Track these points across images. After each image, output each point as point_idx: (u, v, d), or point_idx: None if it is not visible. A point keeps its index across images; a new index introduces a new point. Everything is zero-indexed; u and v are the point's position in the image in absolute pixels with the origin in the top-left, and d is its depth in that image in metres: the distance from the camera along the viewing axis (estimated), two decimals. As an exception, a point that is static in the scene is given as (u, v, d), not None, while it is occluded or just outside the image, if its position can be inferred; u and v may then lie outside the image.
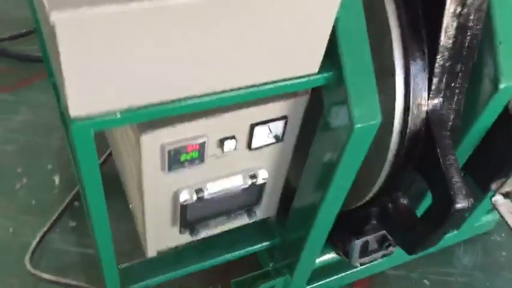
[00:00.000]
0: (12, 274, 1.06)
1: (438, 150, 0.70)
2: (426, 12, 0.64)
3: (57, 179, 1.23)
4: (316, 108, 0.71)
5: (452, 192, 0.70)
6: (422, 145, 0.72)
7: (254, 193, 0.81)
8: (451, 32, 0.64)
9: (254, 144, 0.72)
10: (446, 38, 0.64)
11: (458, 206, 0.70)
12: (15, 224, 1.14)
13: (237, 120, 0.67)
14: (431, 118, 0.69)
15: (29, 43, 1.51)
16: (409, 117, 0.69)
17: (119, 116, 0.52)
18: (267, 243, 0.97)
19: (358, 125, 0.62)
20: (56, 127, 1.32)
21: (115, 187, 1.06)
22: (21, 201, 1.18)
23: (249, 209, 0.85)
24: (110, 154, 1.21)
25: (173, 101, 0.55)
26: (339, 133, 0.65)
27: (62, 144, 1.29)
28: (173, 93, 0.54)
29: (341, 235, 0.96)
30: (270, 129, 0.71)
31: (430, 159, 0.71)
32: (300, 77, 0.60)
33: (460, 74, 0.68)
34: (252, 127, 0.69)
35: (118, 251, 0.87)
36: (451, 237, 1.19)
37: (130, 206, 0.91)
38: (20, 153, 1.27)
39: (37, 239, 1.08)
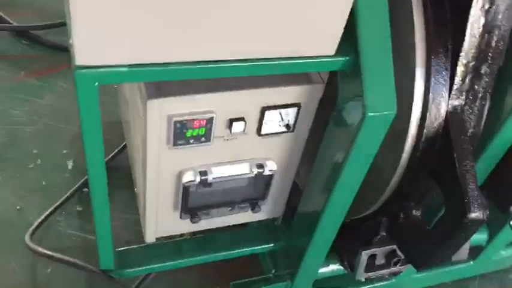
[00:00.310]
0: (11, 250, 1.05)
1: (455, 155, 0.66)
2: (453, 6, 0.62)
3: (70, 164, 1.23)
4: (329, 108, 0.69)
5: (466, 200, 0.66)
6: (439, 148, 0.69)
7: (260, 185, 0.79)
8: (477, 29, 0.61)
9: (264, 130, 0.70)
10: (471, 36, 0.62)
11: (472, 215, 0.66)
12: (22, 202, 1.14)
13: (247, 100, 0.65)
14: (450, 120, 0.66)
15: (61, 34, 1.54)
16: (427, 117, 0.66)
17: (125, 70, 0.51)
18: (270, 245, 0.93)
19: (371, 114, 0.59)
20: (76, 114, 1.33)
21: (124, 181, 1.06)
22: (32, 181, 1.19)
23: (253, 203, 0.82)
24: (121, 150, 1.22)
25: (182, 64, 0.53)
26: (351, 123, 0.63)
27: (80, 131, 1.29)
28: (183, 55, 0.53)
29: (347, 245, 0.92)
30: (281, 116, 0.70)
31: (446, 164, 0.68)
32: (316, 57, 0.58)
33: (484, 77, 0.66)
34: (263, 111, 0.67)
35: (119, 239, 0.85)
36: (466, 268, 1.13)
37: (135, 189, 0.90)
38: (38, 136, 1.28)
39: (41, 218, 1.07)
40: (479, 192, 0.67)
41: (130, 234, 1.10)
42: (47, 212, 1.09)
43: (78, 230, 1.11)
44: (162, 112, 0.62)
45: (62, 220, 1.12)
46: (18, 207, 1.13)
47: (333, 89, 0.75)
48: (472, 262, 1.12)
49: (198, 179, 0.72)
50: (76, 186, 1.17)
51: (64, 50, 1.50)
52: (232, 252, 0.91)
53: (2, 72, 1.43)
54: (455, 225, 0.69)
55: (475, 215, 0.66)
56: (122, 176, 1.11)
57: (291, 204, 0.91)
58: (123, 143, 1.22)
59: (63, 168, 1.22)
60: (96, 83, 0.52)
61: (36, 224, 1.05)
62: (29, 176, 1.19)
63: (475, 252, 1.09)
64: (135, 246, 0.88)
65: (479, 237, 1.05)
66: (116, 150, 1.22)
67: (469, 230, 0.68)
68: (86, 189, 1.18)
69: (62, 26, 1.55)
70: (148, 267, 0.86)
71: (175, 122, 0.63)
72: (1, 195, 1.15)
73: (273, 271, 1.00)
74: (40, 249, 0.92)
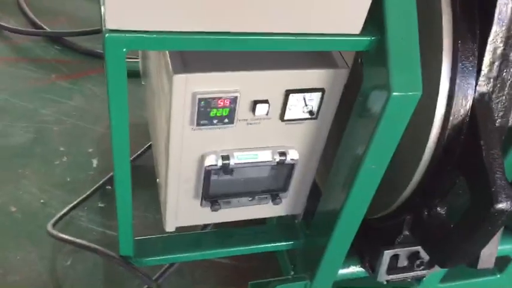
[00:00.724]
0: (33, 241, 1.06)
1: (482, 143, 0.65)
2: (481, -11, 0.62)
3: (95, 162, 1.25)
4: (352, 101, 0.69)
5: (493, 189, 0.64)
6: (465, 138, 0.67)
7: (281, 176, 0.78)
8: (505, 13, 0.61)
9: (287, 116, 0.70)
10: (499, 20, 0.61)
11: (499, 206, 0.64)
12: (46, 196, 1.16)
13: (272, 82, 0.66)
14: (477, 107, 0.65)
15: (92, 41, 1.59)
16: (453, 104, 0.65)
17: (153, 36, 0.52)
18: (290, 242, 0.92)
19: (396, 94, 0.59)
20: (103, 116, 1.36)
21: (146, 182, 1.07)
22: (57, 176, 1.21)
23: (274, 194, 0.81)
24: (145, 151, 1.23)
25: (208, 33, 0.54)
26: (375, 106, 0.62)
27: (106, 132, 1.32)
28: (210, 25, 0.54)
29: (369, 245, 0.90)
30: (305, 102, 0.70)
31: (472, 153, 0.67)
32: (341, 35, 0.59)
33: (512, 64, 0.65)
34: (287, 94, 0.68)
35: (138, 236, 0.86)
36: (492, 281, 1.09)
37: (157, 180, 0.90)
38: (65, 134, 1.31)
39: (64, 210, 1.08)
40: (507, 183, 0.65)
41: (150, 232, 1.10)
42: (70, 206, 1.10)
43: (99, 225, 1.12)
44: (187, 88, 0.63)
45: (83, 215, 1.14)
46: (42, 201, 1.15)
47: (356, 81, 0.75)
48: (498, 275, 1.08)
49: (220, 163, 0.72)
50: (100, 183, 1.18)
51: (94, 56, 1.55)
52: (251, 247, 0.90)
53: (34, 74, 1.47)
54: (481, 217, 0.67)
55: (502, 205, 0.64)
56: (145, 175, 1.12)
57: (311, 205, 0.90)
58: (148, 143, 1.24)
59: (88, 166, 1.24)
60: (125, 49, 0.53)
61: (58, 215, 1.06)
62: (54, 172, 1.21)
63: (502, 263, 1.05)
64: (154, 236, 0.88)
65: (507, 247, 1.01)
66: (141, 150, 1.24)
67: (496, 222, 0.66)
68: (109, 187, 1.19)
69: (93, 33, 1.60)
70: (166, 257, 0.86)
71: (200, 100, 0.64)
72: (26, 188, 1.17)
73: (292, 272, 0.98)
74: (60, 234, 0.92)
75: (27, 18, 1.66)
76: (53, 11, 1.73)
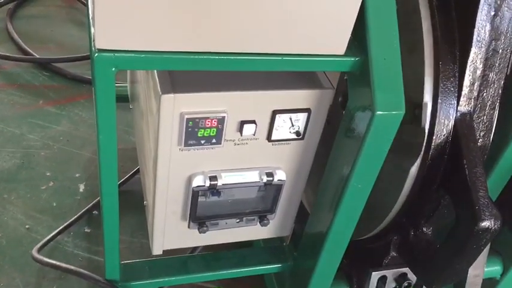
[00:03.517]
0: (17, 267, 1.04)
1: (465, 162, 0.66)
2: (459, 13, 0.64)
3: (81, 187, 1.24)
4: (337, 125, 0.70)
5: (477, 208, 0.65)
6: (449, 157, 0.69)
7: (269, 197, 0.79)
8: (484, 35, 0.63)
9: (274, 136, 0.71)
10: (477, 41, 0.63)
11: (483, 224, 0.65)
12: (32, 222, 1.15)
13: (259, 102, 0.67)
14: (459, 127, 0.67)
15: (80, 67, 1.61)
16: (436, 124, 0.67)
17: (142, 56, 0.53)
18: (278, 265, 0.92)
19: (380, 112, 0.60)
20: (90, 141, 1.36)
21: (133, 206, 1.07)
22: (43, 202, 1.19)
23: (262, 216, 0.81)
24: (131, 175, 1.23)
25: (196, 54, 0.55)
26: (360, 125, 0.63)
27: (93, 157, 1.32)
28: (198, 45, 0.55)
29: (357, 266, 0.90)
30: (291, 122, 0.71)
31: (456, 172, 0.68)
32: (326, 56, 0.60)
33: (493, 85, 0.67)
34: (274, 114, 0.69)
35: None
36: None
37: (144, 202, 0.90)
38: (52, 159, 1.30)
39: (49, 236, 1.07)
40: (491, 201, 0.66)
41: (137, 257, 1.09)
42: (56, 231, 1.09)
43: (85, 251, 1.11)
44: (175, 108, 0.63)
45: (69, 241, 1.12)
46: (27, 226, 1.13)
47: (341, 104, 0.77)
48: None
49: (207, 183, 0.72)
50: (86, 208, 1.17)
51: (82, 82, 1.56)
52: (238, 271, 0.90)
53: (22, 100, 1.47)
54: (467, 235, 0.67)
55: (486, 223, 0.65)
56: (132, 200, 1.12)
57: (299, 227, 0.90)
58: (136, 168, 1.24)
59: (74, 191, 1.23)
60: (114, 68, 0.54)
61: (44, 241, 1.05)
62: (40, 197, 1.20)
63: (489, 285, 1.05)
64: (141, 260, 0.87)
65: (493, 268, 1.02)
66: (129, 175, 1.23)
67: (481, 240, 0.67)
68: (95, 212, 1.18)
69: (81, 60, 1.62)
70: (153, 280, 0.85)
71: (188, 120, 0.64)
72: (11, 214, 1.15)
73: (280, 296, 0.98)
74: (45, 259, 0.91)
75: (15, 44, 1.67)
76: (41, 38, 1.75)
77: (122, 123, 1.41)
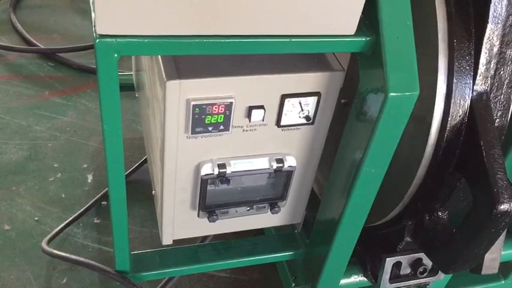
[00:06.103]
0: (27, 260, 1.04)
1: (482, 143, 0.64)
2: (475, -12, 0.61)
3: (90, 178, 1.23)
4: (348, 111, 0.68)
5: (495, 190, 0.63)
6: (465, 139, 0.66)
7: (279, 184, 0.77)
8: (500, 10, 0.60)
9: (283, 121, 0.69)
10: (494, 17, 0.61)
11: (502, 207, 0.63)
12: (41, 213, 1.14)
13: (267, 87, 0.65)
14: (476, 107, 0.64)
15: (85, 57, 1.59)
16: (451, 105, 0.64)
17: (144, 41, 0.51)
18: (290, 253, 0.90)
19: (393, 94, 0.58)
20: (97, 131, 1.35)
21: (142, 196, 1.06)
22: (52, 193, 1.19)
23: (273, 203, 0.80)
24: (140, 165, 1.22)
25: (200, 37, 0.53)
26: (372, 108, 0.61)
27: (101, 147, 1.31)
28: (201, 28, 0.53)
29: (371, 252, 0.88)
30: (301, 106, 0.68)
31: (472, 154, 0.65)
32: (336, 36, 0.58)
33: (510, 63, 0.64)
34: (283, 99, 0.67)
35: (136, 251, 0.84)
36: (496, 287, 1.07)
37: (153, 192, 0.89)
38: (60, 150, 1.29)
39: (59, 227, 1.06)
40: (509, 183, 0.64)
41: (147, 247, 1.08)
42: (65, 223, 1.08)
43: (95, 242, 1.10)
44: (181, 95, 0.62)
45: (79, 232, 1.12)
46: (36, 218, 1.13)
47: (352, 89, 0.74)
48: (503, 281, 1.06)
49: (216, 171, 0.70)
50: (95, 199, 1.16)
51: (88, 72, 1.54)
52: (250, 259, 0.88)
53: (28, 91, 1.46)
54: (484, 219, 0.65)
55: (504, 206, 0.63)
56: (142, 190, 1.11)
57: (311, 214, 0.88)
58: (144, 157, 1.23)
59: (82, 181, 1.22)
60: (116, 54, 0.52)
61: (53, 233, 1.04)
62: (48, 189, 1.20)
63: (507, 268, 1.04)
64: (151, 250, 0.86)
65: (510, 252, 1.00)
66: (137, 164, 1.22)
67: (499, 224, 0.65)
68: (104, 203, 1.17)
69: (87, 49, 1.60)
70: (163, 271, 0.84)
71: (194, 106, 0.63)
72: (20, 206, 1.15)
73: (293, 284, 0.96)
74: (55, 251, 0.90)
75: (19, 35, 1.65)
76: (45, 28, 1.73)
77: (129, 112, 1.39)
